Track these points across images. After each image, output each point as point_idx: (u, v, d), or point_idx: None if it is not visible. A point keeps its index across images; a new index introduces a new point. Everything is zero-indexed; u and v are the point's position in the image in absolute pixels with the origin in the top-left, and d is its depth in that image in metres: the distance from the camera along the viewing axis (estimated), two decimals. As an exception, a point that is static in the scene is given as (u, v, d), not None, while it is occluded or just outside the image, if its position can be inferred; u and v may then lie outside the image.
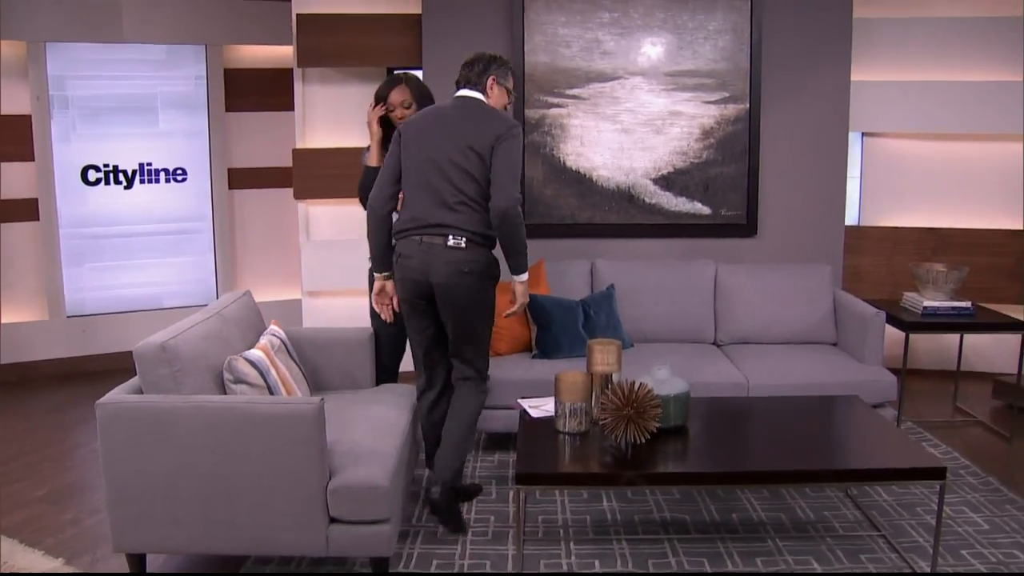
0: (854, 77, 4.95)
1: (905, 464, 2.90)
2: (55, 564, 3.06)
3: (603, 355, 3.27)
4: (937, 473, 2.84)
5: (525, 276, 3.28)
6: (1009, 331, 4.34)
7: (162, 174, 5.66)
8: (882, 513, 3.45)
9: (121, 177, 5.55)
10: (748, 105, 4.88)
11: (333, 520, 2.76)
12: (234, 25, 5.63)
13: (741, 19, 4.81)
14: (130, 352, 5.42)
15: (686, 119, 4.91)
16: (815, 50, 4.85)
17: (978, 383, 5.08)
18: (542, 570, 3.03)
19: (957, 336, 4.86)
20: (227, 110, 5.74)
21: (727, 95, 4.88)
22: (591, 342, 3.31)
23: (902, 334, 4.41)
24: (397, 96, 3.60)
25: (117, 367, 5.55)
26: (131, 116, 5.55)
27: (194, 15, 5.53)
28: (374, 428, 3.12)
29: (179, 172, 5.71)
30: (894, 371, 4.12)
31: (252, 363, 2.97)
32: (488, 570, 3.03)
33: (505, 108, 3.41)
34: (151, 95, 5.59)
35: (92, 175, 5.49)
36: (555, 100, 4.89)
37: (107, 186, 5.53)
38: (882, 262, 5.33)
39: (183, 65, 5.64)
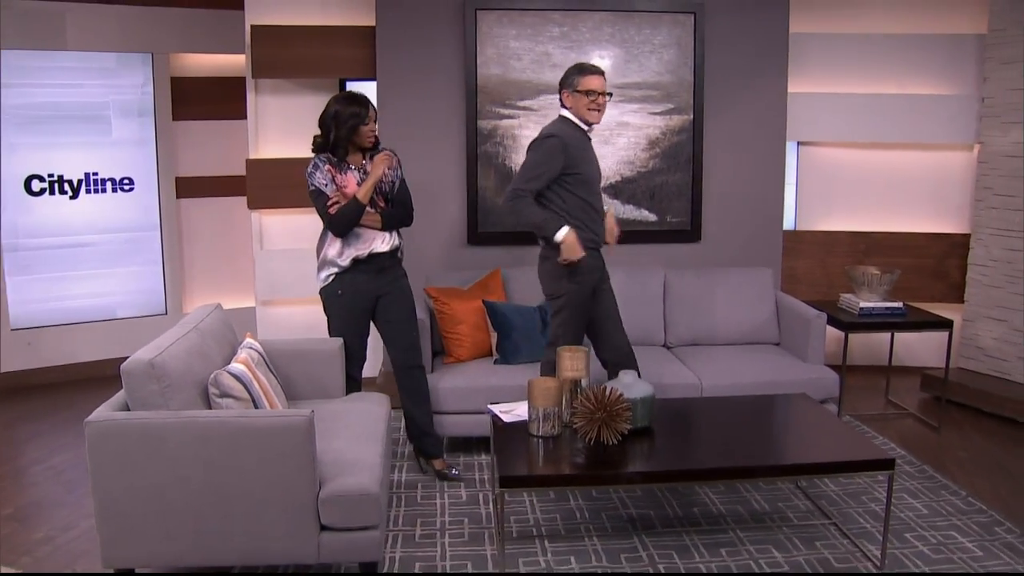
0: (790, 89, 5.22)
1: (857, 457, 3.14)
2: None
3: (572, 361, 3.42)
4: (886, 464, 3.09)
5: (558, 236, 3.62)
6: (938, 329, 4.66)
7: (109, 183, 5.59)
8: (830, 502, 3.70)
9: (66, 187, 5.46)
10: (692, 116, 5.10)
11: (324, 528, 2.84)
12: (180, 34, 5.59)
13: (685, 34, 5.02)
14: (79, 364, 5.47)
15: (633, 130, 5.10)
16: (754, 63, 5.10)
17: (907, 377, 5.42)
18: (521, 569, 3.17)
19: (888, 334, 5.18)
20: (174, 119, 5.70)
21: (672, 106, 5.09)
22: (560, 349, 3.46)
23: (837, 331, 4.70)
24: (374, 114, 3.68)
25: (66, 380, 5.50)
26: (76, 125, 5.46)
27: (139, 24, 5.47)
28: (355, 436, 3.22)
29: (126, 181, 5.64)
30: (833, 368, 4.39)
31: (236, 377, 3.02)
32: (470, 571, 3.15)
33: (592, 107, 3.69)
34: (96, 104, 5.51)
35: (36, 185, 5.38)
36: (506, 111, 5.02)
37: (52, 196, 5.43)
38: (817, 264, 5.63)
39: (129, 74, 5.58)
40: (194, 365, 3.03)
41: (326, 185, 3.62)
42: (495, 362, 4.40)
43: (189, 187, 5.81)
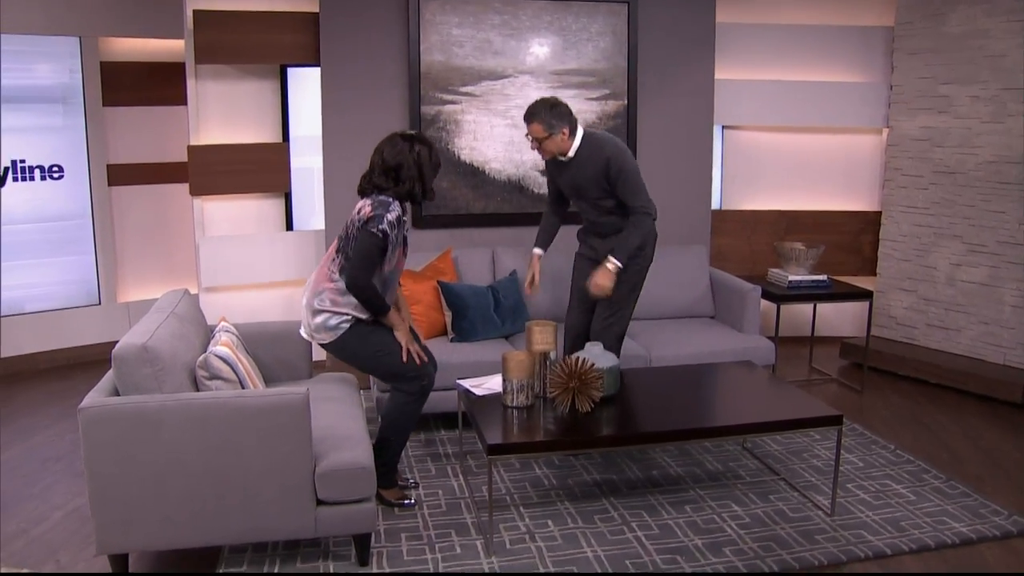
0: (717, 76, 5.50)
1: (809, 414, 3.42)
2: None
3: (542, 335, 3.59)
4: (835, 420, 3.38)
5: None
6: (859, 299, 5.05)
7: (37, 171, 5.42)
8: (776, 460, 3.99)
9: (-8, 175, 5.29)
10: (626, 101, 5.32)
11: (320, 502, 2.92)
12: (110, 18, 5.43)
13: (620, 23, 5.23)
14: (9, 359, 5.30)
15: (570, 114, 5.27)
16: (684, 51, 5.36)
17: (826, 346, 5.80)
18: (504, 535, 3.32)
19: (810, 306, 5.54)
20: (104, 105, 5.56)
21: (607, 92, 5.29)
22: (530, 323, 3.62)
23: (766, 303, 5.02)
24: None
25: (3, 373, 5.33)
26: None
27: (67, 7, 5.31)
28: (338, 414, 3.31)
29: (55, 169, 5.48)
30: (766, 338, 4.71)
31: (223, 359, 3.06)
32: (455, 539, 3.28)
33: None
34: (22, 88, 5.33)
35: (-41, 174, 5.20)
36: (449, 97, 5.12)
37: (-24, 185, 5.25)
38: (742, 242, 5.95)
39: (56, 58, 5.41)
40: (179, 349, 3.05)
41: (391, 244, 3.33)
42: (451, 340, 4.53)
43: (122, 174, 5.69)
